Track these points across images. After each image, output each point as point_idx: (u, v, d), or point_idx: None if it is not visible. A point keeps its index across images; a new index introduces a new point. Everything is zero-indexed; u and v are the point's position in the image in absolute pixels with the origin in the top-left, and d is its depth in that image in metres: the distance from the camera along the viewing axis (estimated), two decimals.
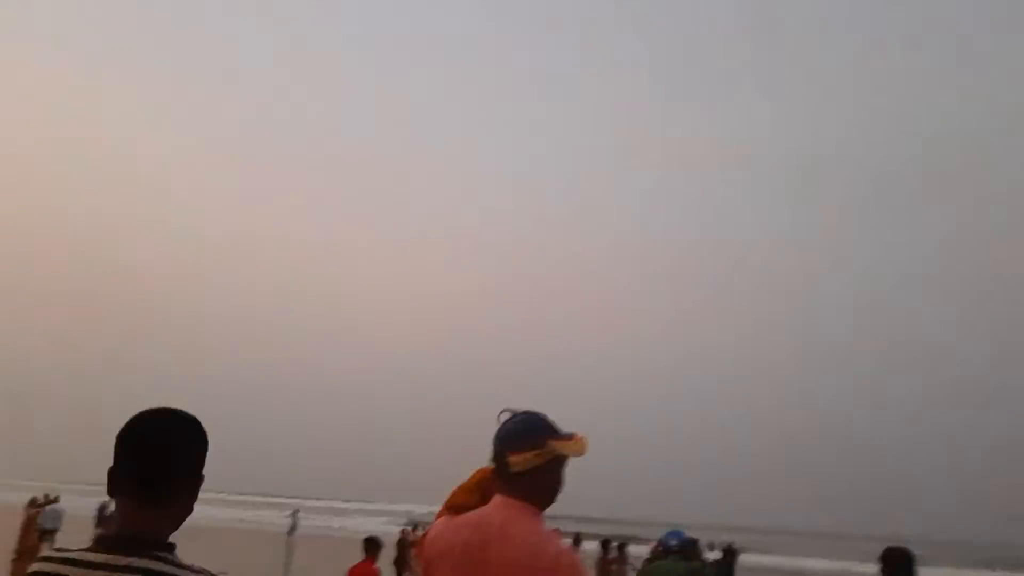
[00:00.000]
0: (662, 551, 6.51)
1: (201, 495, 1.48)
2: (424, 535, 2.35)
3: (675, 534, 6.58)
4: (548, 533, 2.05)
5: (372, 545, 7.28)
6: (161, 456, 1.44)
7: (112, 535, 1.43)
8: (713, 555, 10.29)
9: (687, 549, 6.55)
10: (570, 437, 2.07)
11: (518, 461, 2.01)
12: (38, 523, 14.03)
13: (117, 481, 1.40)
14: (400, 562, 14.61)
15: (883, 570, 3.94)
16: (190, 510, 1.48)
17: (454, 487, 2.44)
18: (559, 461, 2.05)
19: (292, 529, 32.15)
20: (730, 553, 10.47)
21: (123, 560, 1.33)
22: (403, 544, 14.81)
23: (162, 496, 1.43)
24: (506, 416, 2.22)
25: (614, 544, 12.17)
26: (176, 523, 1.46)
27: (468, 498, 2.40)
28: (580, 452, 2.06)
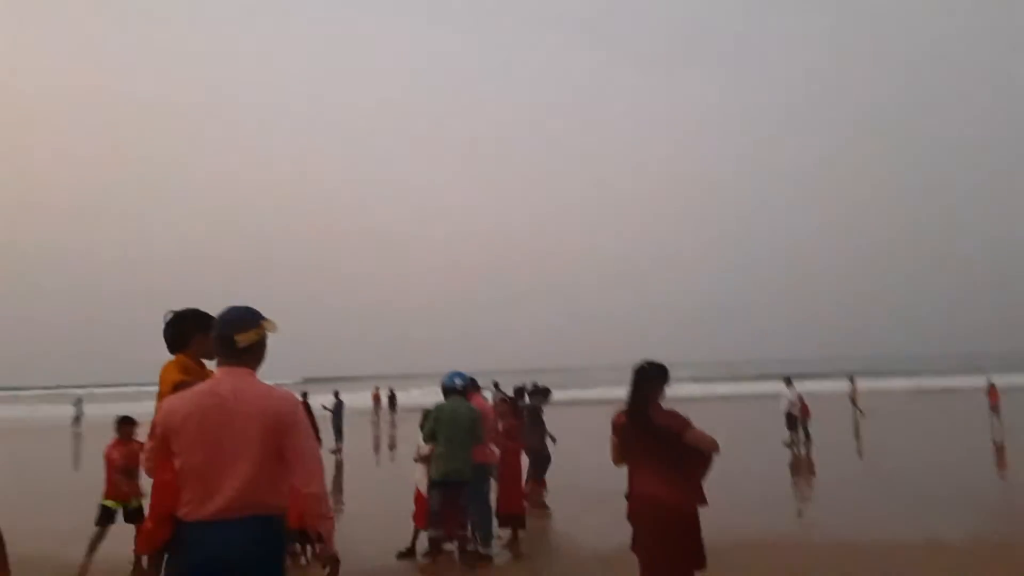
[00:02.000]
0: (445, 391, 6.68)
1: None
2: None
3: (458, 375, 6.73)
4: (271, 387, 2.68)
5: (126, 424, 7.02)
6: None
7: None
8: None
9: (469, 389, 6.89)
10: (267, 320, 2.80)
11: (244, 339, 2.70)
12: None
13: None
14: None
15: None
16: None
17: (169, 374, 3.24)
18: (266, 337, 2.81)
19: (77, 419, 32.10)
20: (540, 392, 10.65)
21: None
22: None
23: None
24: (170, 316, 3.45)
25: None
26: None
27: (186, 377, 3.17)
28: (275, 330, 2.82)
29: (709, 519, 4.13)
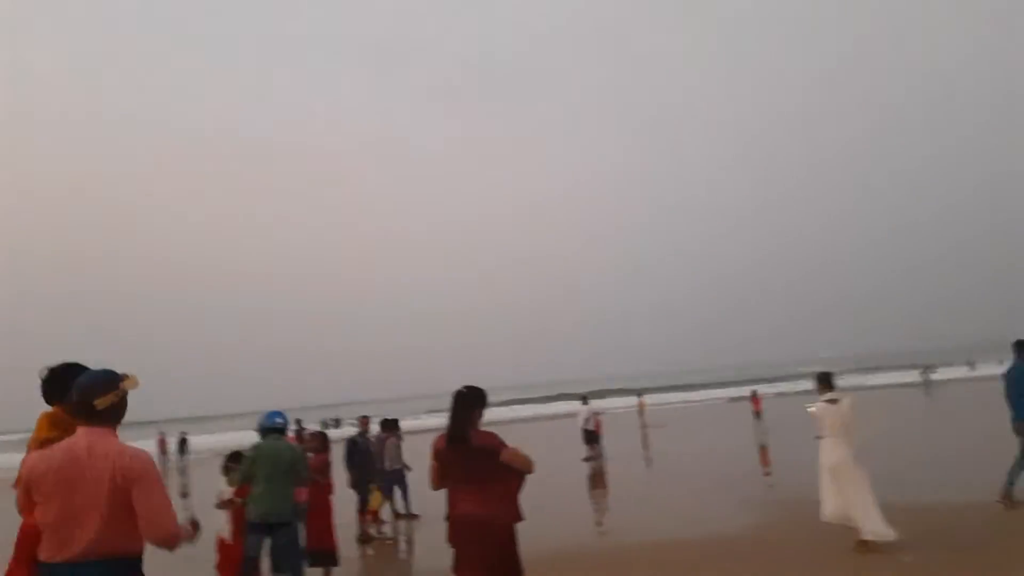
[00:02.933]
0: (263, 431, 6.45)
1: None
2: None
3: (277, 414, 6.60)
4: (124, 445, 2.91)
5: None
6: None
7: None
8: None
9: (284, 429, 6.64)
10: (127, 378, 3.04)
11: (103, 402, 2.92)
12: None
13: None
14: None
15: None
16: None
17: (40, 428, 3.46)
18: (126, 395, 3.02)
19: None
20: (391, 424, 10.82)
21: None
22: None
23: None
24: (46, 373, 3.58)
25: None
26: None
27: (52, 433, 3.37)
28: (136, 387, 3.09)
29: (524, 533, 4.36)
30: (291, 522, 6.32)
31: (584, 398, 19.85)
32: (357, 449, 9.88)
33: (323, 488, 7.54)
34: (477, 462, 4.23)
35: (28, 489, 2.94)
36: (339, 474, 9.60)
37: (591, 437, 17.44)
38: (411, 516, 10.59)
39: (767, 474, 12.88)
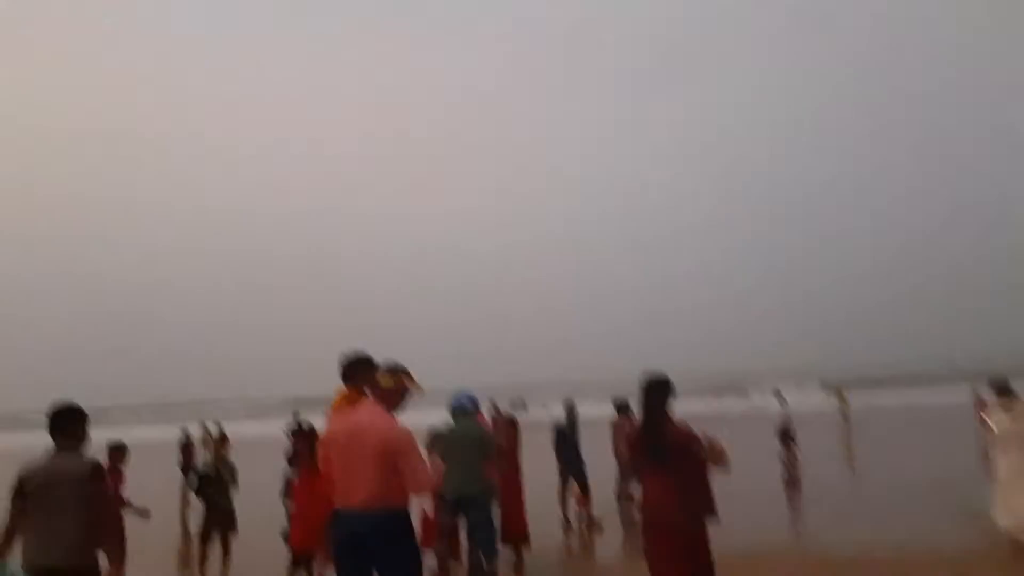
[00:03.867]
0: (453, 413, 6.65)
1: None
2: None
3: (467, 395, 6.74)
4: (394, 421, 3.79)
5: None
6: None
7: None
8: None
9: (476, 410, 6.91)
10: (415, 382, 3.95)
11: (386, 381, 3.88)
12: None
13: None
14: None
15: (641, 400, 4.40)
16: None
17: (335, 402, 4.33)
18: (406, 391, 3.91)
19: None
20: (570, 409, 10.34)
21: None
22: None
23: None
24: (344, 361, 4.36)
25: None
26: None
27: (344, 404, 4.25)
28: (418, 392, 3.95)
29: (715, 529, 4.28)
30: (482, 499, 6.67)
31: (778, 392, 18.81)
32: (567, 441, 9.88)
33: (512, 471, 7.86)
34: (670, 453, 4.23)
35: (325, 446, 3.92)
36: (549, 459, 10.04)
37: (785, 436, 16.46)
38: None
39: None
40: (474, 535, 6.77)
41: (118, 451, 7.08)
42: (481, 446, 6.59)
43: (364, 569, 3.73)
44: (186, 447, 14.52)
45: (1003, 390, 6.93)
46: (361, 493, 3.64)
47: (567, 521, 9.72)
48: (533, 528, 7.92)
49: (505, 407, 11.34)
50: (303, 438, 8.19)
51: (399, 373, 3.87)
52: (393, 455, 3.63)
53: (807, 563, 7.19)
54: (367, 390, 4.11)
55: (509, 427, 8.29)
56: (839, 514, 9.96)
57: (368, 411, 3.79)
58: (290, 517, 7.84)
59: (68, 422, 3.93)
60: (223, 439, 7.31)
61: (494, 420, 8.67)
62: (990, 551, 7.11)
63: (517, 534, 7.60)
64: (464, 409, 6.77)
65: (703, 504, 4.22)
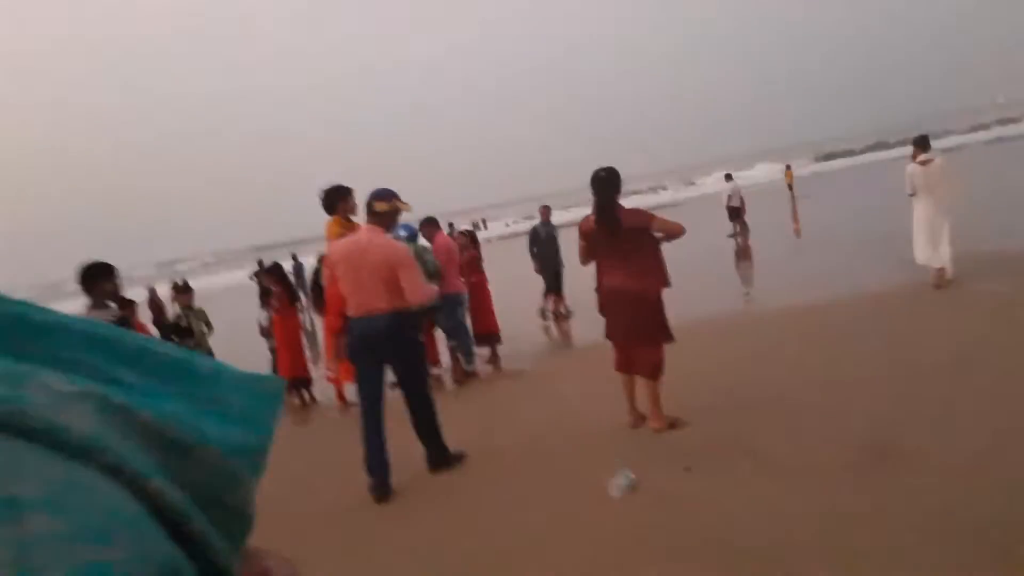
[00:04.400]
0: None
1: None
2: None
3: (403, 226, 6.72)
4: (393, 240, 4.32)
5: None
6: None
7: None
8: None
9: (424, 232, 7.47)
10: (404, 202, 4.35)
11: (381, 207, 4.30)
12: None
13: None
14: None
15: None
16: None
17: (329, 231, 5.00)
18: (398, 212, 4.37)
19: None
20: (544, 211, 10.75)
21: None
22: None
23: None
24: (322, 194, 5.18)
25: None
26: None
27: (340, 230, 4.92)
28: (408, 209, 4.40)
29: (670, 303, 4.67)
30: (442, 308, 7.06)
31: (728, 175, 19.28)
32: (539, 239, 10.36)
33: (478, 280, 8.24)
34: (624, 238, 4.48)
35: (331, 268, 4.41)
36: (525, 262, 10.53)
37: (735, 213, 17.17)
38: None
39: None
40: (450, 339, 7.36)
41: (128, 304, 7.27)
42: (423, 266, 6.86)
43: (379, 366, 4.38)
44: (152, 302, 14.70)
45: (919, 145, 7.85)
46: (373, 301, 4.22)
47: (544, 315, 10.41)
48: (510, 325, 8.47)
49: (464, 226, 11.65)
50: (270, 276, 8.39)
51: (392, 198, 4.30)
52: (395, 268, 4.17)
53: (745, 319, 7.90)
54: (358, 214, 4.69)
55: (468, 241, 8.55)
56: (783, 276, 10.73)
57: (368, 233, 4.29)
58: (274, 351, 8.23)
59: (96, 277, 4.56)
60: (186, 288, 7.42)
61: (453, 238, 8.90)
62: (906, 285, 8.02)
63: (488, 334, 8.15)
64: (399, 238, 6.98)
65: (657, 276, 4.55)
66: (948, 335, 5.91)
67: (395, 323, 4.27)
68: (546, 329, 9.96)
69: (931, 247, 7.83)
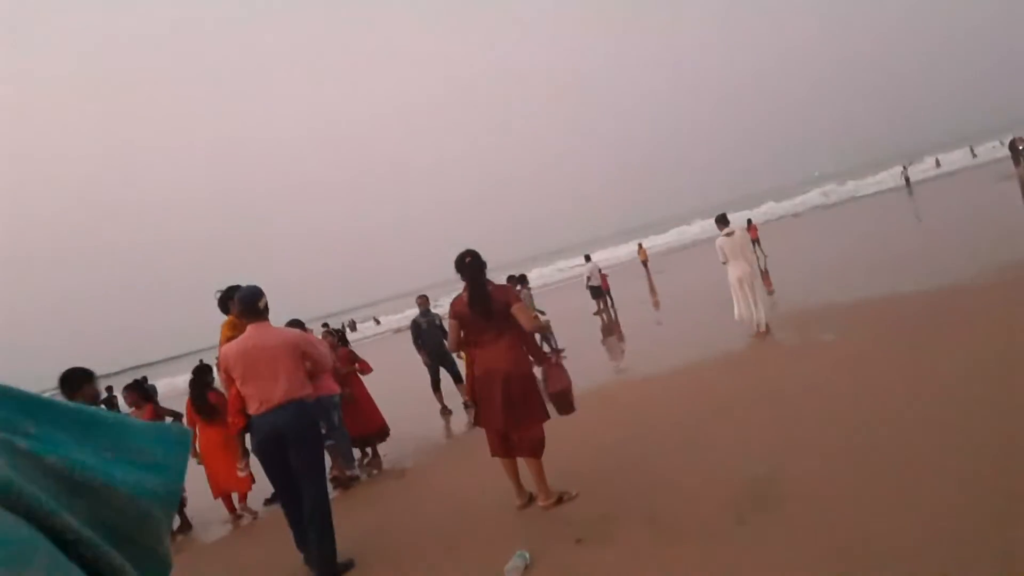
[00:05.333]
0: None
1: None
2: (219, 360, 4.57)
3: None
4: (281, 328, 4.59)
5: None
6: None
7: None
8: None
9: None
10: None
11: (263, 303, 4.44)
12: None
13: None
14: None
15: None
16: None
17: (224, 333, 5.24)
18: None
19: None
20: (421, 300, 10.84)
21: None
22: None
23: None
24: (218, 294, 5.50)
25: None
26: None
27: (232, 332, 5.05)
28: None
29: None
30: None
31: (587, 256, 20.32)
32: (420, 330, 10.16)
33: (352, 379, 8.05)
34: (497, 316, 4.58)
35: (226, 371, 4.43)
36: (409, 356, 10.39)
37: (596, 292, 17.97)
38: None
39: (771, 293, 13.45)
40: (326, 441, 7.07)
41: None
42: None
43: (284, 459, 4.42)
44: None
45: (721, 221, 9.78)
46: (278, 393, 4.29)
47: (444, 407, 10.04)
48: (393, 422, 8.26)
49: (334, 327, 11.43)
50: (131, 394, 7.57)
51: (261, 291, 4.55)
52: (300, 347, 4.42)
53: (616, 388, 8.25)
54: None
55: (336, 340, 8.45)
56: (648, 346, 11.32)
57: (258, 329, 4.41)
58: (207, 473, 7.38)
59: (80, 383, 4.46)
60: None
61: (322, 338, 8.73)
62: (750, 342, 8.97)
63: (368, 433, 7.92)
64: None
65: (529, 353, 4.68)
66: (796, 377, 6.50)
67: (299, 413, 4.34)
68: (446, 421, 9.75)
69: (746, 306, 9.48)
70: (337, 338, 8.65)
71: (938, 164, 51.66)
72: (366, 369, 8.21)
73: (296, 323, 7.42)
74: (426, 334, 10.20)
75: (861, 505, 3.61)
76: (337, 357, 7.93)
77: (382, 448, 8.12)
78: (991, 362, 5.45)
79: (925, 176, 45.91)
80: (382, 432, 8.05)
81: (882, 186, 47.58)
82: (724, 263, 9.63)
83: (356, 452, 7.78)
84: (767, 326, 9.36)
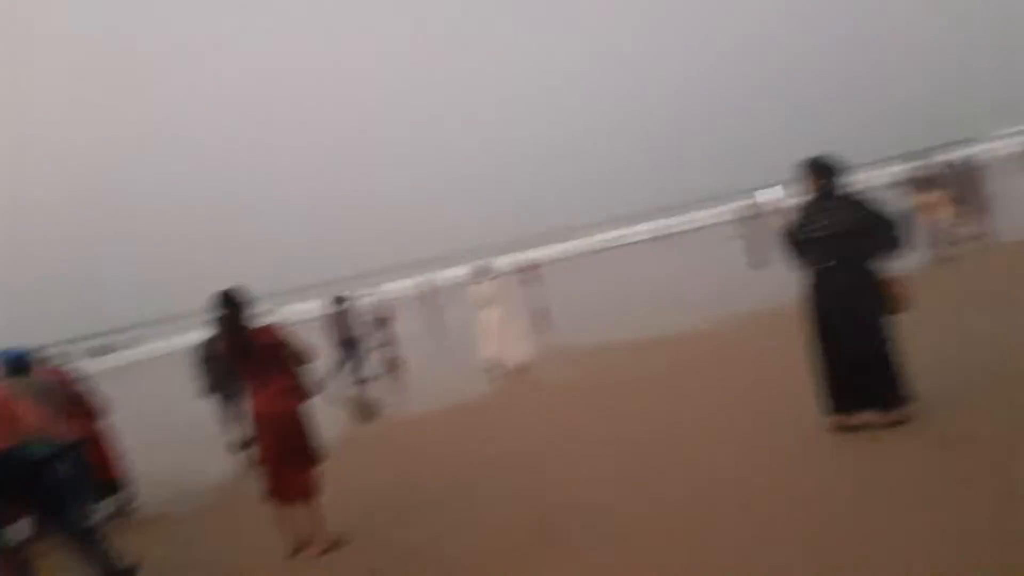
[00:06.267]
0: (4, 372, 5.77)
1: None
2: None
3: (8, 353, 5.85)
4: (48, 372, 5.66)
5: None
6: None
7: None
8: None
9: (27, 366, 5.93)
10: None
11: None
12: None
13: None
14: None
15: None
16: None
17: None
18: None
19: None
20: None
21: None
22: None
23: None
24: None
25: None
26: None
27: None
28: None
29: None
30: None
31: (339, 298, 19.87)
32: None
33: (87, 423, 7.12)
34: (259, 359, 4.42)
35: None
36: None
37: (378, 323, 17.72)
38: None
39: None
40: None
41: None
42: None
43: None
44: None
45: (476, 272, 10.47)
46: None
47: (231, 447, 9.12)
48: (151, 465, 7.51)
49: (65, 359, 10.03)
50: None
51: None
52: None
53: (386, 429, 8.35)
54: None
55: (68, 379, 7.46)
56: (412, 388, 11.51)
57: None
58: None
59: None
60: None
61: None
62: (526, 385, 9.42)
63: (110, 480, 7.05)
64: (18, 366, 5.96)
65: (297, 393, 4.58)
66: (567, 408, 7.09)
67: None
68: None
69: (499, 347, 10.14)
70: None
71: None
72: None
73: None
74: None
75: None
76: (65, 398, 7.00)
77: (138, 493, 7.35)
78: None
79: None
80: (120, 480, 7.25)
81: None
82: (479, 309, 10.32)
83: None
84: (525, 364, 10.00)
